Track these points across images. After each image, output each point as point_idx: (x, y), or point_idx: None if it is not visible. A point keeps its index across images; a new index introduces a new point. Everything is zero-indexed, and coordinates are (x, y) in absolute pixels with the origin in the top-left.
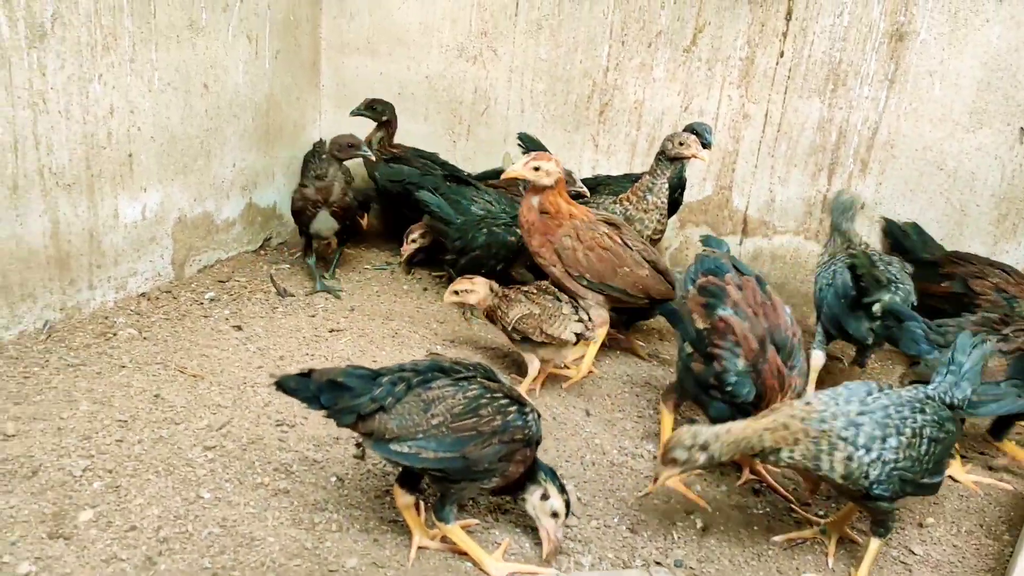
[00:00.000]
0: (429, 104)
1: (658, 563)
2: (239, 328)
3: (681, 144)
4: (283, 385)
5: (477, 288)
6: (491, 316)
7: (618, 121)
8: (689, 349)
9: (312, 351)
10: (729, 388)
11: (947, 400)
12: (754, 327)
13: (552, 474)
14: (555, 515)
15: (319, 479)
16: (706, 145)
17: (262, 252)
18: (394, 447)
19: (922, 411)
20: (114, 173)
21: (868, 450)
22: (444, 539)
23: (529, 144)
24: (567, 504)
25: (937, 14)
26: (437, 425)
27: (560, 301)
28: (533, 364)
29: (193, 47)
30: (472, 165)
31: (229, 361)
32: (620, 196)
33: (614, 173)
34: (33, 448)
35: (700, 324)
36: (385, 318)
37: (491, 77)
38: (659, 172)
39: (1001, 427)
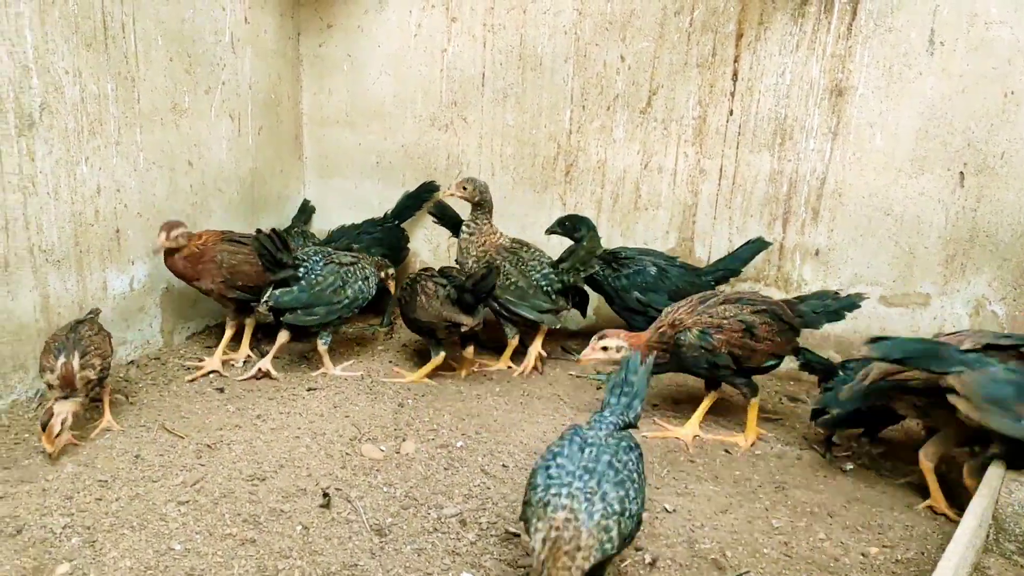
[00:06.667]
0: (406, 171)
1: None
2: (221, 391)
3: None
4: None
5: None
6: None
7: (583, 180)
8: None
9: (289, 408)
10: None
11: (624, 422)
12: None
13: None
14: None
15: (285, 528)
16: None
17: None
18: None
19: (629, 448)
20: (102, 248)
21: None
22: None
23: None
24: None
25: (873, 69)
26: None
27: None
28: None
29: (177, 128)
30: None
31: (209, 421)
32: None
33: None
34: (19, 508)
35: None
36: (358, 377)
37: (462, 143)
38: None
39: None
